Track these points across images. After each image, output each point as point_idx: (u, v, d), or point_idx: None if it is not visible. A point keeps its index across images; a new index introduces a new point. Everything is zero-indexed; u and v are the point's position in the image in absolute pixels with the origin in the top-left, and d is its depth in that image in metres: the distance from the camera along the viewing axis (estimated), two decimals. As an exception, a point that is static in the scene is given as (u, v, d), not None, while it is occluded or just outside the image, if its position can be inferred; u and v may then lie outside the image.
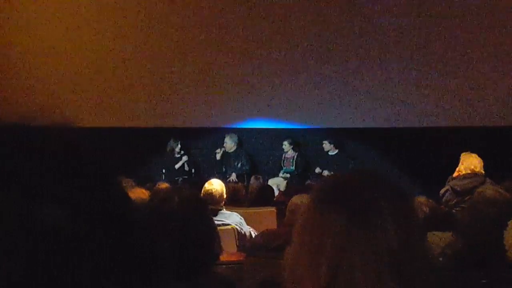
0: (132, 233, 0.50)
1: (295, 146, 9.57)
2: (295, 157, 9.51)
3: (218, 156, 9.45)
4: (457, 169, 5.77)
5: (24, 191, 0.44)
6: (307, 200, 1.18)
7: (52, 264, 0.43)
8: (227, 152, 9.44)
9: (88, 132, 0.55)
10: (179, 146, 9.38)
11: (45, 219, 0.44)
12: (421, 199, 4.02)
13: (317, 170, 9.19)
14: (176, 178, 9.02)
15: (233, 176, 9.17)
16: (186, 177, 9.21)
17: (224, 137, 9.46)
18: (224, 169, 9.37)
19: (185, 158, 9.32)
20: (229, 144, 9.41)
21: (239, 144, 9.55)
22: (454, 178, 5.77)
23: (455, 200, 5.47)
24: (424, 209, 3.75)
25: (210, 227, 1.93)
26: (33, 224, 0.43)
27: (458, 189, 5.47)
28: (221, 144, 9.51)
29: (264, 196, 6.29)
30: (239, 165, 9.35)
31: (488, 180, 5.39)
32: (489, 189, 2.49)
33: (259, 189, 6.71)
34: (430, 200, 4.16)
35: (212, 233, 1.95)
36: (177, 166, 9.28)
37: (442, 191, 5.70)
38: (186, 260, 1.86)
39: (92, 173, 0.50)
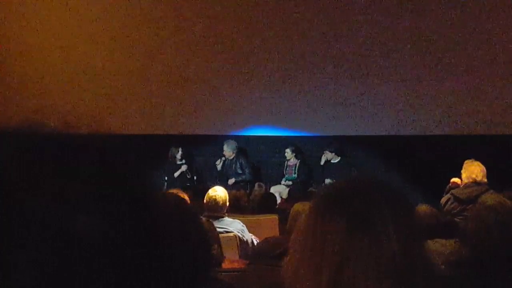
0: (162, 243, 0.50)
1: (297, 153, 9.56)
2: (297, 164, 9.51)
3: (218, 167, 9.41)
4: (453, 179, 5.77)
5: (59, 199, 0.44)
6: (309, 207, 1.18)
7: (82, 275, 0.43)
8: (228, 159, 9.41)
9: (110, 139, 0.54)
10: (180, 153, 9.37)
11: (79, 229, 0.43)
12: (424, 207, 4.01)
13: (327, 181, 9.11)
14: (182, 185, 9.00)
15: (231, 181, 9.13)
16: (189, 184, 9.19)
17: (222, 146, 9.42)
18: (226, 178, 9.33)
19: (184, 167, 9.29)
20: (228, 151, 9.37)
21: (239, 151, 9.51)
22: (453, 187, 5.76)
23: (458, 208, 5.45)
24: (427, 217, 3.75)
25: (199, 233, 1.88)
26: (67, 234, 0.43)
27: (461, 197, 5.45)
28: (222, 153, 9.47)
29: (266, 204, 6.28)
30: (240, 172, 9.33)
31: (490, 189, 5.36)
32: (491, 198, 2.48)
33: (261, 196, 6.71)
34: (433, 208, 4.16)
35: (203, 239, 1.89)
36: (176, 174, 9.27)
37: (443, 200, 5.68)
38: (179, 268, 1.83)
39: (129, 183, 0.50)
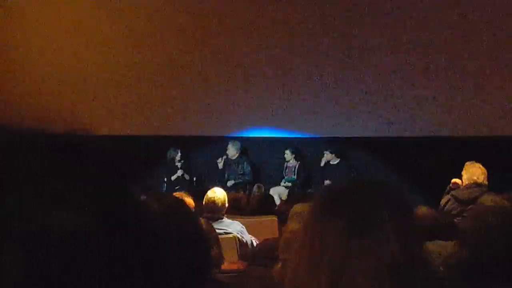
0: (147, 242, 0.50)
1: (297, 155, 9.57)
2: (297, 166, 9.51)
3: (220, 165, 9.45)
4: (454, 180, 5.77)
5: (40, 195, 0.44)
6: (308, 209, 1.18)
7: (64, 269, 0.43)
8: (230, 159, 9.44)
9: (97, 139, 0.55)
10: (179, 154, 9.37)
11: (59, 224, 0.44)
12: (423, 209, 4.01)
13: (327, 182, 9.13)
14: (176, 188, 9.01)
15: (230, 183, 9.15)
16: (183, 186, 9.18)
17: (227, 145, 9.47)
18: (226, 177, 9.35)
19: (179, 172, 9.29)
20: (232, 151, 9.41)
21: (242, 152, 9.54)
22: (453, 188, 5.76)
23: (458, 209, 5.45)
24: (426, 218, 3.75)
25: (197, 234, 1.87)
26: (48, 229, 0.43)
27: (461, 198, 5.46)
28: (223, 153, 9.51)
29: (264, 205, 6.28)
30: (241, 172, 9.35)
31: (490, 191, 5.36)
32: (491, 199, 2.49)
33: (259, 198, 6.70)
34: (432, 210, 4.15)
35: (202, 240, 1.89)
36: (173, 177, 9.28)
37: (443, 201, 5.68)
38: (176, 269, 1.82)
39: (110, 180, 0.51)
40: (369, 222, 1.09)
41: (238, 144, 9.46)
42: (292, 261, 1.12)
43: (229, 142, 9.46)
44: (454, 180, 5.86)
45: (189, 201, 4.54)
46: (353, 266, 1.05)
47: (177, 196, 4.57)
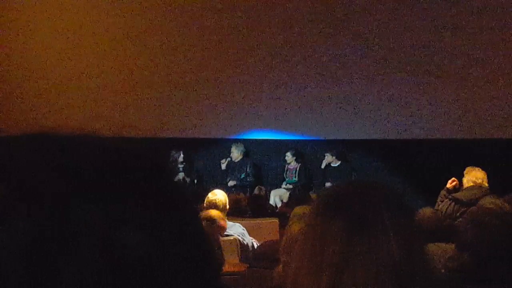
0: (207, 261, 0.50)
1: (298, 157, 9.57)
2: (298, 168, 9.51)
3: (223, 166, 9.47)
4: (450, 181, 5.77)
5: (108, 213, 0.43)
6: (309, 210, 1.19)
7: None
8: (233, 161, 9.46)
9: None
10: (182, 156, 9.39)
11: (126, 244, 0.43)
12: (427, 210, 4.01)
13: (328, 184, 9.14)
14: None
15: (231, 183, 9.16)
16: (186, 186, 9.20)
17: (230, 147, 9.48)
18: (228, 179, 9.37)
19: (181, 174, 9.30)
20: (235, 153, 9.44)
21: (245, 154, 9.57)
22: (450, 189, 5.77)
23: (460, 211, 5.45)
24: (431, 220, 3.75)
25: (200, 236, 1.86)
26: (114, 249, 0.42)
27: (463, 199, 5.46)
28: (225, 155, 9.53)
29: (256, 206, 6.30)
30: (243, 175, 9.36)
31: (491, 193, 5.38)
32: (490, 201, 2.49)
33: (252, 199, 6.72)
34: (436, 211, 4.15)
35: (204, 241, 1.88)
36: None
37: (442, 207, 5.64)
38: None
39: (175, 199, 0.49)
40: (369, 223, 1.09)
41: (241, 146, 9.49)
42: (293, 262, 1.12)
43: (233, 145, 9.48)
44: (451, 181, 5.86)
45: (223, 223, 4.59)
46: (354, 267, 1.05)
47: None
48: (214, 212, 4.66)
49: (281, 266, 2.58)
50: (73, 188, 0.44)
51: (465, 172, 5.73)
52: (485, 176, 5.61)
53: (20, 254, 0.41)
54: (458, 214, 5.42)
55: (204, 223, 4.20)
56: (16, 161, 0.45)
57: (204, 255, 0.49)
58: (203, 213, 4.55)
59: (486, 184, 5.58)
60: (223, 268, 4.28)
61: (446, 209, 5.57)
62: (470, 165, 5.82)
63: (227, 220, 5.03)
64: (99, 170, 0.46)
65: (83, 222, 0.42)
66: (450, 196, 5.63)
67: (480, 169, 5.67)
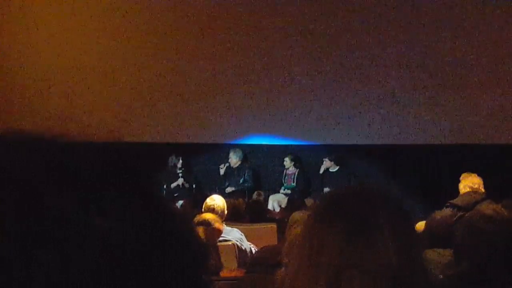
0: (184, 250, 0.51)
1: (296, 162, 9.57)
2: (296, 173, 9.51)
3: (222, 171, 9.46)
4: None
5: (83, 201, 0.45)
6: (307, 215, 1.19)
7: (99, 275, 0.44)
8: (232, 167, 9.44)
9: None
10: (181, 162, 9.39)
11: (101, 230, 0.45)
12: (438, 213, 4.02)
13: (326, 189, 9.14)
14: (175, 195, 9.04)
15: (229, 189, 9.15)
16: (182, 194, 9.20)
17: (228, 153, 9.47)
18: (227, 184, 9.36)
19: (180, 180, 9.30)
20: (234, 159, 9.42)
21: (244, 159, 9.56)
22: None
23: (456, 216, 5.46)
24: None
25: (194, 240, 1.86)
26: (88, 235, 0.44)
27: (460, 204, 5.47)
28: (223, 160, 9.52)
29: (253, 212, 6.31)
30: (241, 180, 9.36)
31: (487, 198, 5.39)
32: (486, 207, 2.49)
33: (250, 205, 6.73)
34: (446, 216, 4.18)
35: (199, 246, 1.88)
36: (173, 185, 9.29)
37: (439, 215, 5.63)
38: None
39: (148, 189, 0.52)
40: (367, 227, 1.09)
41: (239, 152, 9.47)
42: (292, 264, 1.13)
43: (231, 150, 9.46)
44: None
45: (219, 226, 4.59)
46: (352, 271, 1.06)
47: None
48: (209, 215, 4.66)
49: (283, 269, 2.58)
50: (48, 177, 0.46)
51: (461, 178, 5.75)
52: (481, 182, 5.64)
53: None
54: (455, 219, 5.43)
55: (200, 228, 4.20)
56: None
57: (183, 249, 0.51)
58: (198, 217, 4.56)
59: (483, 190, 5.59)
60: (220, 273, 4.28)
61: (443, 215, 5.58)
62: (468, 171, 5.83)
63: (225, 225, 5.03)
64: (78, 164, 0.48)
65: (59, 209, 0.44)
66: (447, 203, 5.64)
67: (476, 175, 5.69)
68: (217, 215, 4.89)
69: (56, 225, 0.43)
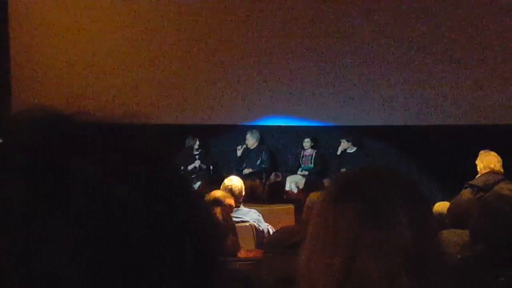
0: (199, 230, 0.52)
1: (314, 143, 9.56)
2: (314, 154, 9.50)
3: (239, 153, 9.47)
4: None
5: (101, 168, 0.47)
6: (322, 196, 1.20)
7: (115, 242, 0.45)
8: (249, 148, 9.45)
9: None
10: (198, 143, 9.42)
11: (117, 197, 0.46)
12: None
13: (343, 170, 9.13)
14: (192, 177, 9.07)
15: (246, 171, 9.16)
16: (199, 175, 9.25)
17: (245, 134, 9.48)
18: (244, 166, 9.37)
19: (197, 162, 9.33)
20: (251, 140, 9.43)
21: (261, 141, 9.56)
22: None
23: (476, 196, 5.43)
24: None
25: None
26: (105, 200, 0.46)
27: (479, 185, 5.43)
28: (240, 142, 9.53)
29: (272, 193, 6.34)
30: (258, 161, 9.37)
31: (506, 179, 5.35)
32: (507, 187, 2.47)
33: (268, 186, 6.77)
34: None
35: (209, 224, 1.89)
36: (190, 167, 9.33)
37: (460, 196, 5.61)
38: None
39: (165, 165, 0.53)
40: (382, 209, 1.10)
41: (256, 133, 9.47)
42: (305, 246, 1.14)
43: (248, 132, 9.47)
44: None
45: (230, 201, 4.61)
46: (366, 253, 1.06)
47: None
48: (218, 193, 4.66)
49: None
50: (70, 144, 0.48)
51: (479, 157, 5.68)
52: (500, 161, 5.57)
53: (17, 201, 0.44)
54: (475, 200, 5.40)
55: (217, 209, 4.21)
56: (20, 123, 0.50)
57: (198, 225, 0.51)
58: (208, 196, 4.56)
59: (502, 169, 5.54)
60: (238, 253, 4.31)
61: (463, 196, 5.55)
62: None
63: (242, 206, 5.06)
64: (97, 135, 0.50)
65: (78, 174, 0.46)
66: (466, 184, 5.61)
67: (495, 154, 5.62)
68: (236, 198, 4.91)
69: (81, 190, 0.45)
